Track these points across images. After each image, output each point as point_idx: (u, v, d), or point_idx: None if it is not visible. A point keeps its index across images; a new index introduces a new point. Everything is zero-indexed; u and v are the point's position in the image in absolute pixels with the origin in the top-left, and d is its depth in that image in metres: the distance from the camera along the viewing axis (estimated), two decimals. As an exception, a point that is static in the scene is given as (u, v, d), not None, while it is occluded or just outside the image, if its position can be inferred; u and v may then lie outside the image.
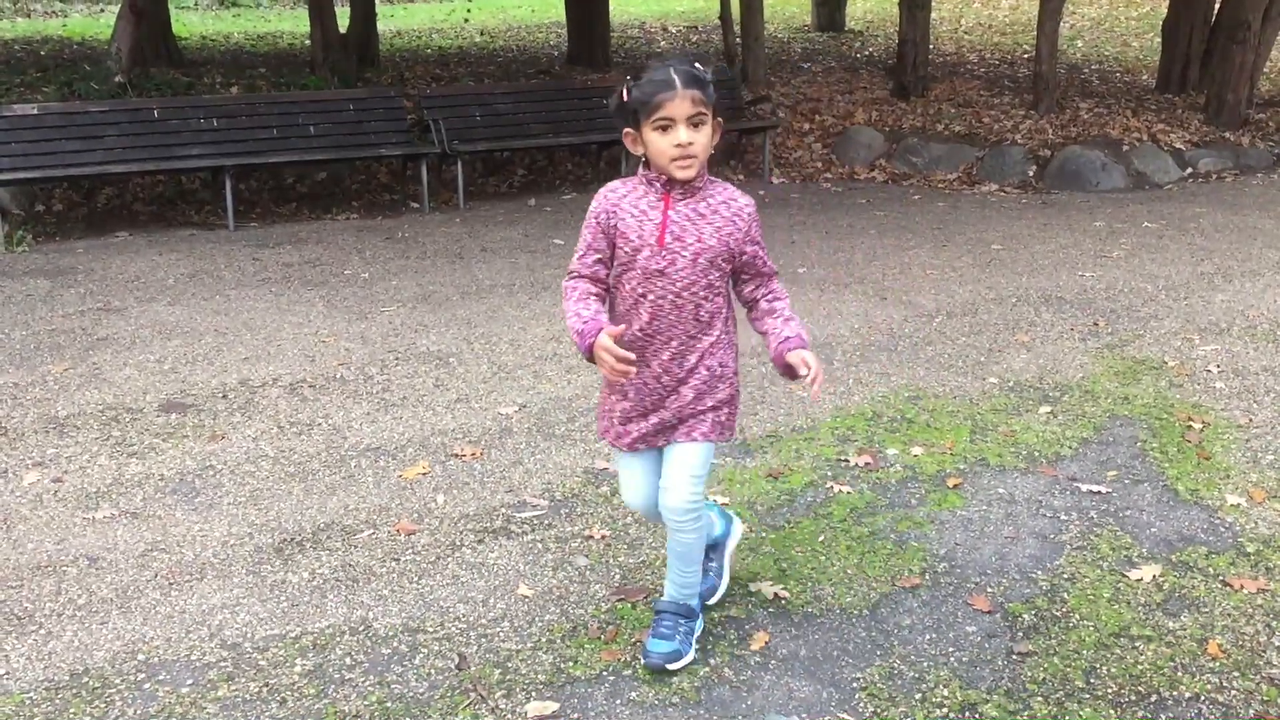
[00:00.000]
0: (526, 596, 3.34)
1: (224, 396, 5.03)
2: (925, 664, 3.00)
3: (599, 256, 2.77)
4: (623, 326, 2.72)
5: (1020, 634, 3.13)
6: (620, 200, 2.75)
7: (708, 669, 2.97)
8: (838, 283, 6.96)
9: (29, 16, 22.59)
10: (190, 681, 2.94)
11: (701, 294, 2.76)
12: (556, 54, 16.78)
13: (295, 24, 20.33)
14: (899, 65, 13.04)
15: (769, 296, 2.87)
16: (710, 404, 2.84)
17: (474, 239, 8.28)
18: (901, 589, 3.37)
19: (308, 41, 14.46)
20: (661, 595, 3.06)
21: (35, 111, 8.53)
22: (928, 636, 3.13)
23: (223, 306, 6.48)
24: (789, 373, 2.78)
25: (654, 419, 2.84)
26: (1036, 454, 4.35)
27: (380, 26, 16.61)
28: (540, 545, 3.65)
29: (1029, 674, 2.95)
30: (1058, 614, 3.23)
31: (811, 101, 12.91)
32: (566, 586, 3.39)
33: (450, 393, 5.06)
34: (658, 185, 2.72)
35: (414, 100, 10.56)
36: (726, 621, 3.19)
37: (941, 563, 3.52)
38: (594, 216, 2.78)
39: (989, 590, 3.36)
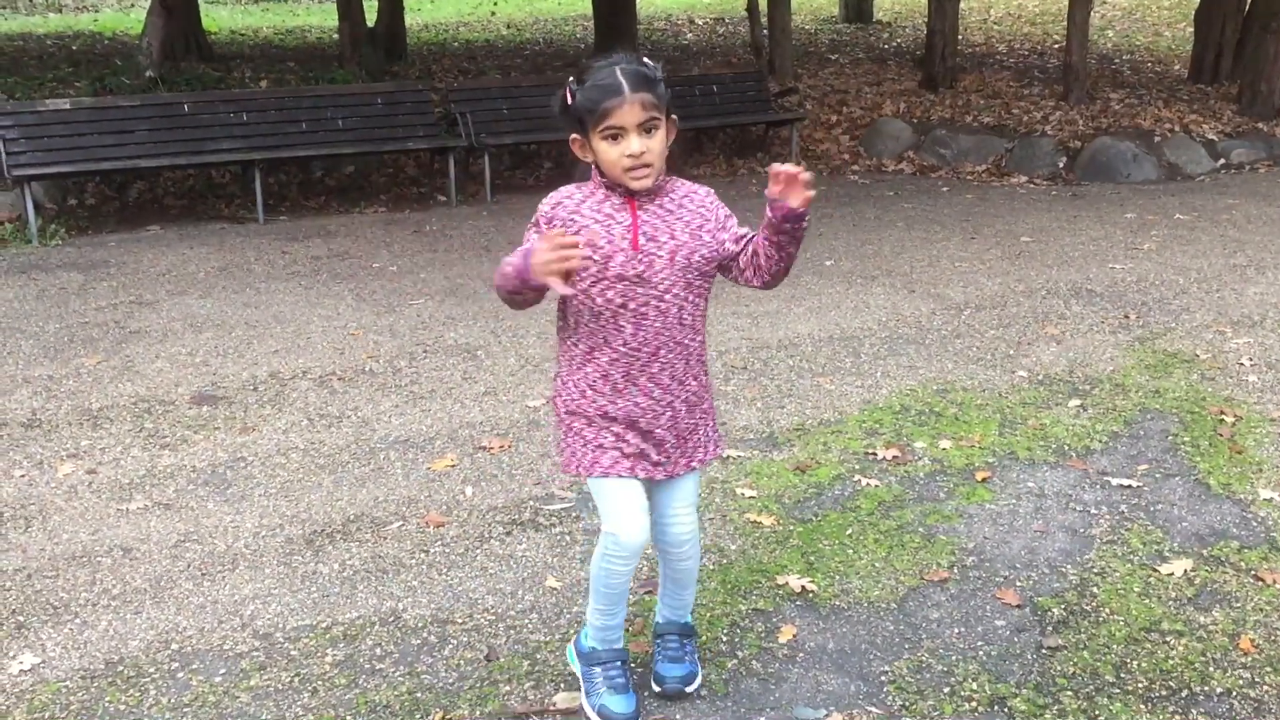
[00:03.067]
0: (555, 588, 3.35)
1: (254, 389, 5.07)
2: (954, 658, 2.99)
3: None
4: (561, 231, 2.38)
5: (1049, 628, 3.12)
6: (578, 207, 2.49)
7: (735, 662, 2.98)
8: (865, 275, 6.94)
9: (60, 12, 22.79)
10: (223, 671, 2.98)
11: (683, 295, 2.52)
12: (583, 46, 16.78)
13: (323, 18, 20.41)
14: (927, 56, 12.96)
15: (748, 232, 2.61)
16: (699, 416, 2.67)
17: (501, 232, 8.30)
18: (930, 583, 3.36)
19: (336, 35, 14.52)
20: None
21: (68, 106, 8.62)
22: (956, 630, 3.12)
23: (253, 300, 6.53)
24: (778, 211, 2.40)
25: (653, 440, 2.59)
26: (1066, 447, 4.32)
27: (408, 20, 16.66)
28: (568, 538, 3.66)
29: (1058, 668, 2.94)
30: (1087, 608, 3.21)
31: (839, 93, 12.86)
32: (594, 579, 3.40)
33: (478, 385, 5.08)
34: (618, 190, 2.48)
35: (441, 94, 10.60)
36: (754, 614, 3.19)
37: (970, 556, 3.51)
38: (543, 221, 2.49)
39: (1018, 584, 3.35)
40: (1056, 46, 15.60)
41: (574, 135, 2.48)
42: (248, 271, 7.21)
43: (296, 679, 2.94)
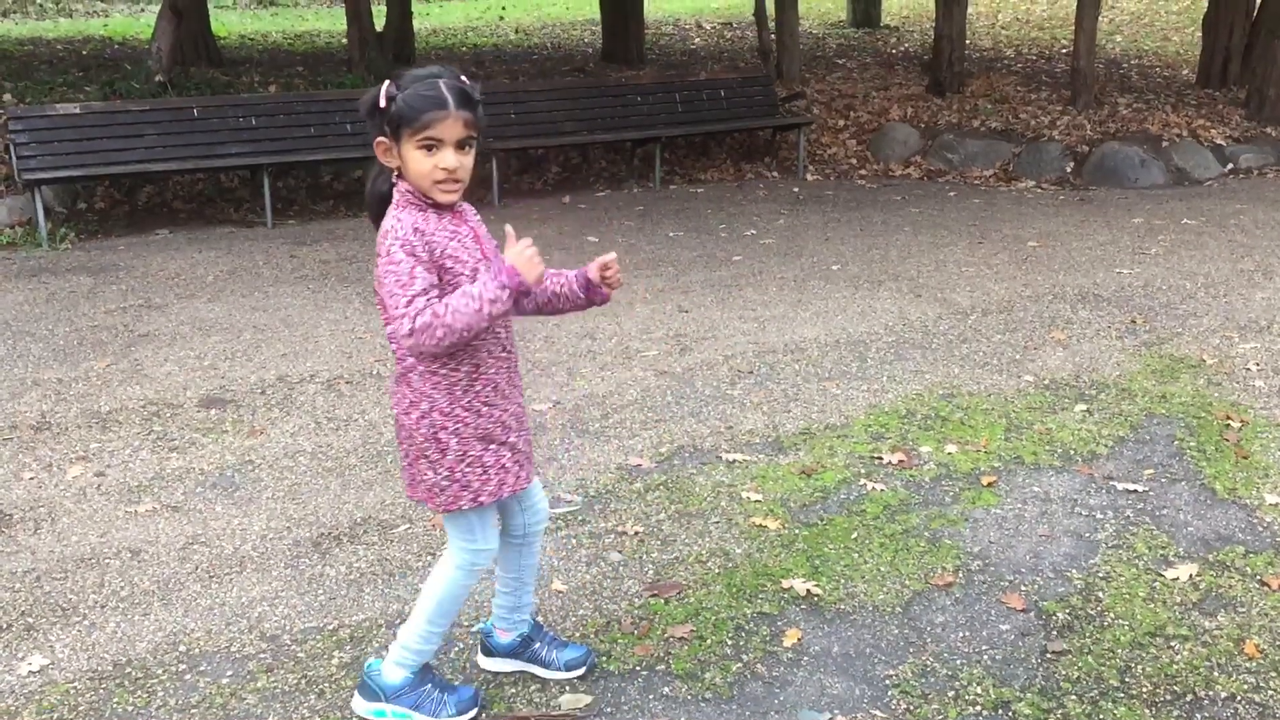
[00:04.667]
0: (561, 591, 3.36)
1: (262, 392, 5.09)
2: (958, 661, 3.00)
3: (438, 292, 2.44)
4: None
5: (1054, 632, 3.12)
6: (431, 227, 2.45)
7: (740, 665, 2.99)
8: (872, 280, 6.94)
9: (71, 16, 22.88)
10: (230, 673, 2.99)
11: None
12: (591, 51, 16.81)
13: (332, 22, 20.47)
14: (935, 61, 12.96)
15: None
16: None
17: (509, 236, 8.31)
18: (935, 587, 3.36)
19: (345, 40, 14.56)
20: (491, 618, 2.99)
21: (77, 111, 8.65)
22: (961, 634, 3.12)
23: (261, 303, 6.55)
24: (592, 292, 2.67)
25: (525, 437, 2.70)
26: (1072, 452, 4.32)
27: (416, 24, 16.69)
28: (574, 541, 3.67)
29: (1063, 672, 2.94)
30: (1092, 613, 3.22)
31: (846, 98, 12.85)
32: (600, 582, 3.41)
33: (485, 389, 5.08)
34: (435, 207, 2.48)
35: (449, 98, 10.59)
36: (759, 618, 3.20)
37: (975, 561, 3.52)
38: (419, 250, 2.42)
39: (1023, 588, 3.35)
40: (1064, 51, 15.58)
41: (380, 139, 2.48)
42: (256, 275, 7.24)
43: (304, 681, 2.95)
